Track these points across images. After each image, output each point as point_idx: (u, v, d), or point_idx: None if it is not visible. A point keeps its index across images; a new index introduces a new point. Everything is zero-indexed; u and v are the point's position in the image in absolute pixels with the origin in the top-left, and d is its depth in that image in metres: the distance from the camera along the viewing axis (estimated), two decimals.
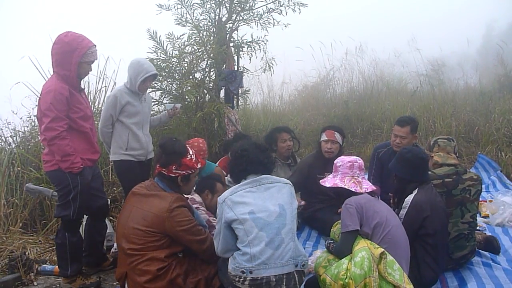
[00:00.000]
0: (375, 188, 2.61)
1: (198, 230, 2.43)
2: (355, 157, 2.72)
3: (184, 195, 2.61)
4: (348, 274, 2.25)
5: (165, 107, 4.19)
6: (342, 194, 2.61)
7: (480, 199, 3.82)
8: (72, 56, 2.82)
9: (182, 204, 2.41)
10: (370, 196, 2.53)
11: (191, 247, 2.42)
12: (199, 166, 2.55)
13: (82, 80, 3.12)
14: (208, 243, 2.45)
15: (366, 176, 3.14)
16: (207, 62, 4.90)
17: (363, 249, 2.28)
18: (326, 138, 3.83)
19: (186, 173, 2.48)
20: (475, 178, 2.97)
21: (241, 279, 2.24)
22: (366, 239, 2.38)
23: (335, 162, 2.72)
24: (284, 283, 2.25)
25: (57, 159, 2.84)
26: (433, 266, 2.60)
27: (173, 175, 2.45)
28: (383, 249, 2.28)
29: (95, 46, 2.94)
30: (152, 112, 4.00)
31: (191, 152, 2.52)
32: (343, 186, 2.59)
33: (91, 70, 3.03)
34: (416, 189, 2.69)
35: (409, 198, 2.68)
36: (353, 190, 2.56)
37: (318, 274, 2.45)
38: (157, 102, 4.82)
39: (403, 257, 2.39)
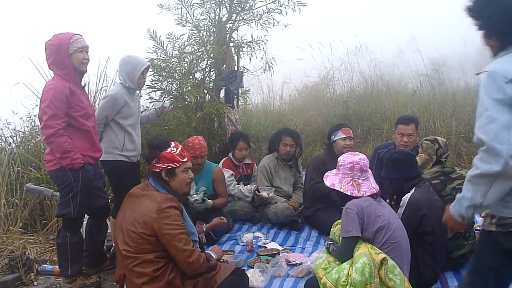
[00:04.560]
0: (375, 191, 2.52)
1: (186, 240, 2.30)
2: (359, 157, 2.57)
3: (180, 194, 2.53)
4: (349, 280, 2.24)
5: (153, 105, 4.16)
6: (340, 195, 2.57)
7: None
8: (60, 52, 2.85)
9: (173, 205, 2.32)
10: (371, 199, 2.47)
11: (176, 256, 2.29)
12: (184, 160, 2.47)
13: (83, 79, 3.12)
14: (195, 257, 2.30)
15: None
16: (207, 62, 4.89)
17: (364, 255, 2.27)
18: (344, 136, 3.83)
19: (169, 167, 2.42)
20: (464, 176, 2.93)
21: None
22: (367, 243, 2.36)
23: (338, 159, 2.69)
24: None
25: (57, 156, 2.84)
26: (432, 265, 2.60)
27: (156, 170, 2.44)
28: (385, 255, 2.27)
29: (77, 34, 2.93)
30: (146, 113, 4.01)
31: (173, 145, 2.46)
32: (339, 189, 2.52)
33: (87, 58, 2.97)
34: (413, 188, 2.69)
35: (406, 197, 2.68)
36: (349, 194, 2.48)
37: (318, 276, 2.44)
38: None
39: (404, 258, 2.39)
